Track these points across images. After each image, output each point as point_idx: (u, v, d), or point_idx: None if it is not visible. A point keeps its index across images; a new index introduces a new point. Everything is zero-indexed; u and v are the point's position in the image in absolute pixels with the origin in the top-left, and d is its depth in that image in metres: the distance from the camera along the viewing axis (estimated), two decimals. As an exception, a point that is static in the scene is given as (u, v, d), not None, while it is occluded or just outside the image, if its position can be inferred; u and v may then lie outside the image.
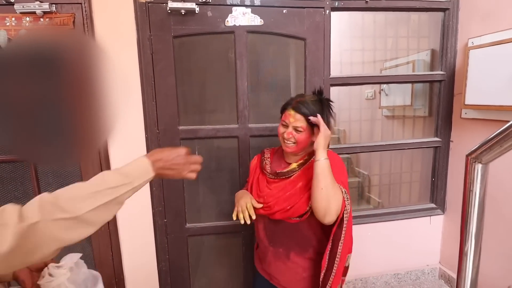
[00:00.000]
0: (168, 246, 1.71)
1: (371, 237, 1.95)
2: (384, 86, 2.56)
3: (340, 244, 1.07)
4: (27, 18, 1.38)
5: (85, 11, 1.40)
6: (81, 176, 1.55)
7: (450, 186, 1.96)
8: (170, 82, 1.56)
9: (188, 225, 1.71)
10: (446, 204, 1.99)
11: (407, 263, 2.04)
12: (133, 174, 0.67)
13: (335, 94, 1.79)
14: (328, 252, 1.08)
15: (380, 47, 2.56)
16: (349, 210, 1.06)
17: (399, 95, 2.42)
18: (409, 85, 2.25)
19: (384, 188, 2.58)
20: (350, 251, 1.13)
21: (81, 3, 1.40)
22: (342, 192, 1.02)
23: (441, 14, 1.81)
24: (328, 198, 0.97)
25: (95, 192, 0.59)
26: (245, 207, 1.10)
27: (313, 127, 1.09)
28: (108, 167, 1.54)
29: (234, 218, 1.10)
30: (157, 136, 1.59)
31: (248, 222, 1.07)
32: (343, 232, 1.06)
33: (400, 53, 2.39)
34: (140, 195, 1.59)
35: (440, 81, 1.86)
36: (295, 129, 1.08)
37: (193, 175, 0.79)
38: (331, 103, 1.14)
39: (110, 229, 1.62)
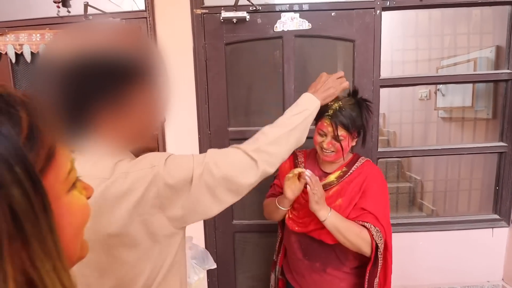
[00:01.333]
0: (216, 240, 1.82)
1: (423, 246, 1.85)
2: (440, 85, 2.40)
3: (375, 282, 1.04)
4: (103, 33, 1.59)
5: (150, 24, 1.57)
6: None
7: (518, 196, 1.77)
8: (221, 87, 1.66)
9: (235, 221, 1.81)
10: (512, 216, 1.81)
11: (464, 277, 1.89)
12: (303, 105, 0.83)
13: (385, 95, 1.74)
14: None
15: (436, 46, 2.40)
16: (383, 248, 1.01)
17: (458, 95, 2.25)
18: (470, 84, 2.08)
19: (439, 195, 2.41)
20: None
21: (146, 17, 1.57)
22: (372, 234, 0.98)
23: (508, 7, 1.65)
24: (355, 246, 0.96)
25: (280, 134, 0.75)
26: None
27: (352, 133, 1.03)
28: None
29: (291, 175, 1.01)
30: (209, 137, 1.70)
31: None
32: (378, 270, 1.04)
33: (459, 51, 2.22)
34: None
35: (507, 80, 1.70)
36: (335, 138, 1.02)
37: (346, 85, 0.96)
38: (368, 104, 1.08)
39: (166, 221, 1.77)
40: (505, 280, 1.87)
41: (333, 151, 1.03)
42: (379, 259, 1.01)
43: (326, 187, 1.05)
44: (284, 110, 1.66)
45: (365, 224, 0.99)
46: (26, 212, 0.26)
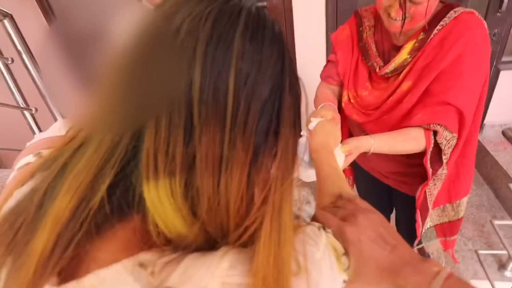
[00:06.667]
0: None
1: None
2: None
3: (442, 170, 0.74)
4: None
5: None
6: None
7: None
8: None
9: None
10: None
11: None
12: None
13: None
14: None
15: None
16: (452, 143, 0.69)
17: None
18: None
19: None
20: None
21: None
22: (440, 140, 0.67)
23: None
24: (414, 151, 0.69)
25: None
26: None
27: None
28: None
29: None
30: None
31: None
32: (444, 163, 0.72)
33: None
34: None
35: None
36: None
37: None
38: None
39: None
40: None
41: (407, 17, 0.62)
42: (443, 173, 0.75)
43: (396, 71, 0.71)
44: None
45: (437, 127, 0.66)
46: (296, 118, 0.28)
